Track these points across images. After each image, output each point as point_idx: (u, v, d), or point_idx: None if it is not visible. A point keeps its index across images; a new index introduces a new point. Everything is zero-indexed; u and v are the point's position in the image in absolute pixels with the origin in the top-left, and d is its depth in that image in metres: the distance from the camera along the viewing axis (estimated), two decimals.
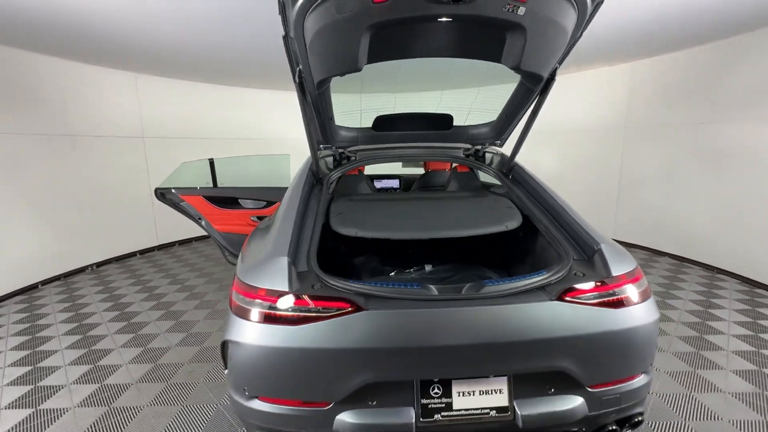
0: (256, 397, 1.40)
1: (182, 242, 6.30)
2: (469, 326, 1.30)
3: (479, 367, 1.33)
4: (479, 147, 2.49)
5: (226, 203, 3.30)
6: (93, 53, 4.35)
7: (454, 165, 2.74)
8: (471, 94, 2.18)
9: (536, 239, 2.02)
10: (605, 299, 1.39)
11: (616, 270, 1.46)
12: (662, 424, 2.07)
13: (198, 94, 6.18)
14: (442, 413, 1.33)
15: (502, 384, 1.35)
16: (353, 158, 2.46)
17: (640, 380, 1.46)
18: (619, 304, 1.40)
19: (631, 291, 1.43)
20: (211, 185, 3.51)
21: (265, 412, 1.38)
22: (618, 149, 5.49)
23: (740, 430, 2.02)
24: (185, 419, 2.17)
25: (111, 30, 3.52)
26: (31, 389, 2.47)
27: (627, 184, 5.47)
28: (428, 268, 2.42)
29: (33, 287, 4.32)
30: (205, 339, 3.07)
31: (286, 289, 1.37)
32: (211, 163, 3.49)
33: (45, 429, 2.11)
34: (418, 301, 1.34)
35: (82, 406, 2.30)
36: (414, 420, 1.31)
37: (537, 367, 1.32)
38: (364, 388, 1.30)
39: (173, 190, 3.23)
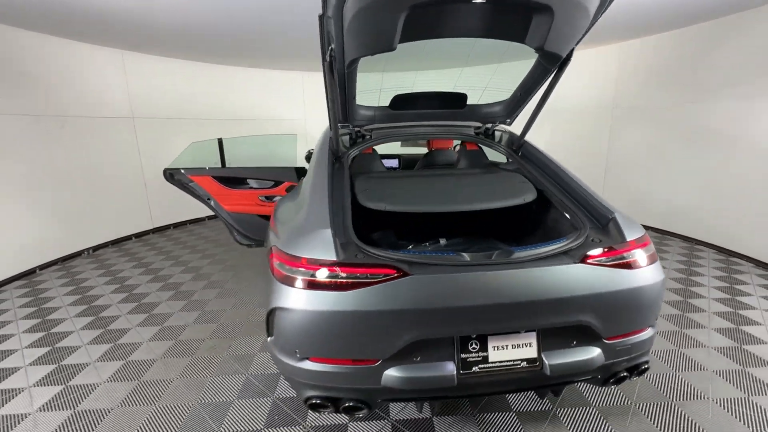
0: (307, 358, 1.52)
1: (177, 225, 6.25)
2: (502, 288, 1.44)
3: (512, 324, 1.47)
4: (489, 126, 2.60)
5: (234, 183, 3.32)
6: (78, 29, 4.17)
7: (462, 143, 2.84)
8: (488, 73, 2.27)
9: (547, 212, 2.16)
10: (621, 261, 1.56)
11: (629, 236, 1.63)
12: (656, 375, 2.31)
13: (189, 73, 6.01)
14: (480, 365, 1.48)
15: (531, 338, 1.51)
16: (368, 137, 2.54)
17: (647, 333, 1.64)
18: (633, 265, 1.56)
19: (642, 254, 1.60)
20: (220, 165, 3.51)
21: (317, 371, 1.50)
22: (606, 130, 5.71)
23: (722, 377, 2.28)
24: (216, 389, 2.27)
25: (96, 4, 3.39)
26: (56, 368, 2.51)
27: (613, 163, 5.71)
28: (443, 242, 2.55)
29: (31, 272, 4.25)
30: (220, 317, 3.15)
31: (335, 258, 1.47)
32: (220, 142, 3.48)
33: (81, 402, 2.18)
34: (458, 266, 1.46)
35: (111, 381, 2.37)
36: (455, 372, 1.46)
37: (563, 322, 1.48)
38: (409, 346, 1.43)
39: (182, 171, 3.23)
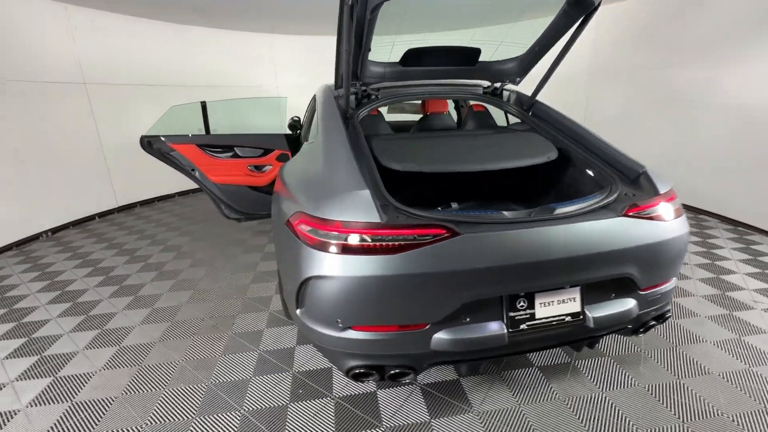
0: (350, 327, 1.43)
1: (144, 203, 5.79)
2: (552, 243, 1.41)
3: (560, 279, 1.46)
4: (498, 85, 2.52)
5: (221, 152, 3.06)
6: None
7: (469, 105, 2.76)
8: (504, 30, 2.16)
9: (565, 171, 2.16)
10: (657, 213, 1.58)
11: (662, 189, 1.64)
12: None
13: (148, 34, 5.42)
14: (527, 323, 1.47)
15: (575, 293, 1.51)
16: (374, 96, 2.39)
17: (672, 283, 1.70)
18: (667, 217, 1.59)
19: (673, 207, 1.63)
20: (204, 132, 3.21)
21: (361, 340, 1.43)
22: (582, 95, 5.82)
23: (714, 321, 2.45)
24: (229, 368, 2.15)
25: None
26: (38, 359, 2.27)
27: (591, 126, 5.86)
28: (454, 206, 2.50)
29: None
30: (214, 295, 2.97)
31: (377, 220, 1.37)
32: (204, 106, 3.15)
33: (77, 393, 1.99)
34: (507, 224, 1.41)
35: (107, 368, 2.18)
36: (505, 331, 1.44)
37: (608, 276, 1.49)
38: (459, 307, 1.39)
39: (162, 138, 2.91)
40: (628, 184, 1.73)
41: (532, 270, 1.40)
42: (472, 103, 2.70)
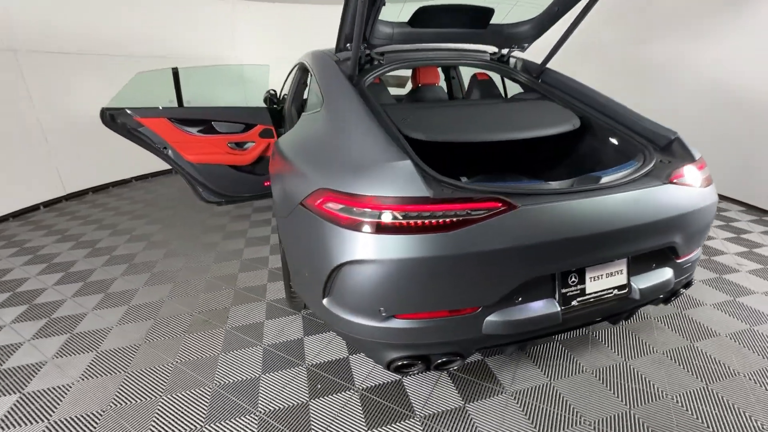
0: (393, 316, 1.29)
1: (97, 189, 5.19)
2: (606, 214, 1.33)
3: (613, 252, 1.39)
4: (505, 52, 2.40)
5: (197, 127, 2.71)
6: None
7: (474, 73, 2.61)
8: None
9: (583, 140, 2.09)
10: (697, 180, 1.54)
11: (696, 155, 1.61)
12: None
13: None
14: (578, 299, 1.40)
15: (622, 265, 1.45)
16: (376, 62, 2.19)
17: (699, 250, 1.70)
18: (704, 184, 1.56)
19: (707, 173, 1.60)
20: (176, 105, 2.82)
21: (406, 328, 1.29)
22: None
23: (708, 286, 2.56)
24: (232, 366, 1.94)
25: None
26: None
27: None
28: (464, 179, 2.38)
29: None
30: (198, 288, 2.69)
31: (425, 194, 1.21)
32: (175, 74, 2.75)
33: (51, 413, 1.70)
34: (564, 194, 1.31)
35: (85, 378, 1.89)
36: (559, 309, 1.35)
37: (656, 245, 1.44)
38: (516, 288, 1.28)
39: (128, 111, 2.50)
40: (659, 152, 1.69)
41: (589, 242, 1.32)
42: (475, 71, 2.56)
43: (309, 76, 2.43)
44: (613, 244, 1.37)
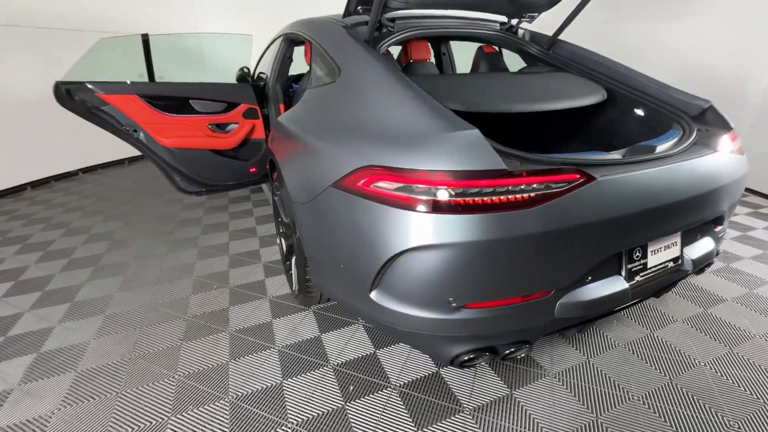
0: (464, 306, 1.15)
1: (36, 184, 4.52)
2: (674, 185, 1.28)
3: (674, 223, 1.34)
4: (515, 22, 2.30)
5: (172, 106, 2.35)
6: None
7: (480, 45, 2.47)
8: None
9: (604, 112, 2.04)
10: (738, 147, 1.53)
11: (731, 123, 1.60)
12: None
13: None
14: (641, 274, 1.34)
15: (677, 237, 1.42)
16: (385, 30, 2.00)
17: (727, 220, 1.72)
18: (741, 151, 1.55)
19: (740, 141, 1.60)
20: (146, 80, 2.41)
21: (477, 319, 1.16)
22: None
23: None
24: (248, 374, 1.72)
25: None
26: None
27: None
28: None
29: None
30: (184, 288, 2.39)
31: (502, 166, 1.07)
32: (146, 41, 2.32)
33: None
34: (642, 162, 1.23)
35: (68, 404, 1.58)
36: (627, 285, 1.29)
37: (710, 215, 1.41)
38: (594, 266, 1.19)
39: (89, 86, 2.08)
40: (693, 120, 1.67)
41: (660, 214, 1.25)
42: (482, 44, 2.43)
43: (306, 47, 2.18)
44: (677, 215, 1.32)
